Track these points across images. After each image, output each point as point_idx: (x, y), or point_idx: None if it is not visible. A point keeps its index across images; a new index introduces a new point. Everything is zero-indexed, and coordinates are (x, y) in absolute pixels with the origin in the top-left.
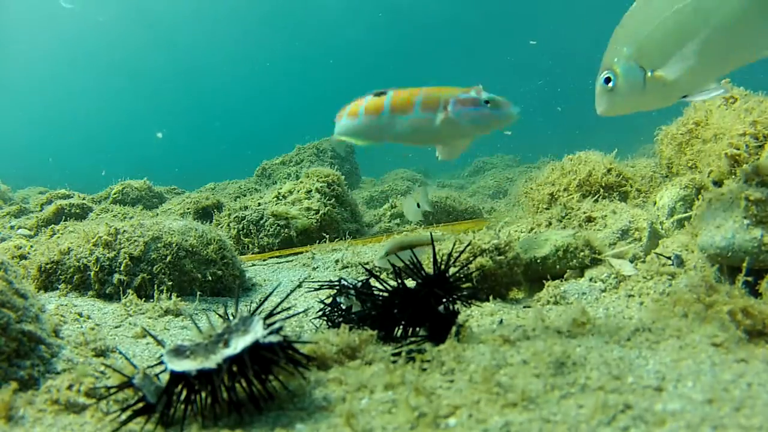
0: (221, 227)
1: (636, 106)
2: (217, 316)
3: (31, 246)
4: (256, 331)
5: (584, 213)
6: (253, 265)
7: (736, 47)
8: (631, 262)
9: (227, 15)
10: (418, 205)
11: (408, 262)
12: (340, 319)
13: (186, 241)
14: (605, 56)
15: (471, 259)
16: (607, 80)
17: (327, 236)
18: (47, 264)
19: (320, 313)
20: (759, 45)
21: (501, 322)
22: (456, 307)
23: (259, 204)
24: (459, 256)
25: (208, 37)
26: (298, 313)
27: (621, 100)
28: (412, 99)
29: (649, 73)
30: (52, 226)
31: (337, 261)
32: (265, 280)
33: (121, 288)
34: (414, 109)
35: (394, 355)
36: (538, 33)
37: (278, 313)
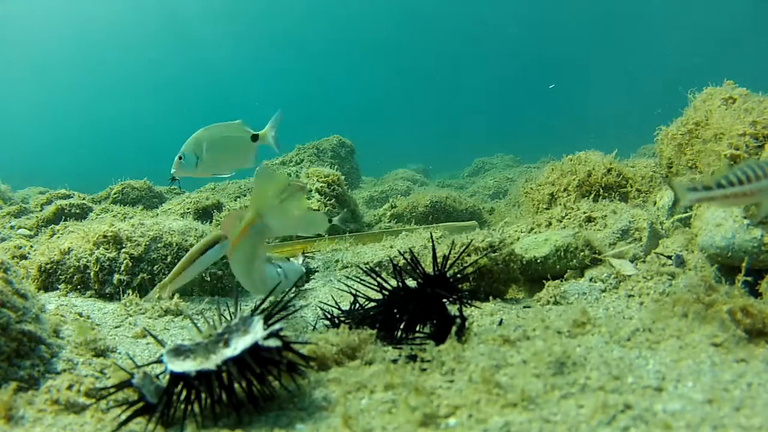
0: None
1: (196, 174)
2: (217, 316)
3: (31, 246)
4: (256, 332)
5: (584, 213)
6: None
7: (225, 159)
8: (632, 262)
9: (227, 15)
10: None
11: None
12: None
13: (186, 241)
14: (183, 147)
15: (467, 258)
16: (180, 158)
17: (325, 235)
18: (47, 264)
19: (321, 313)
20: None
21: (501, 322)
22: (458, 307)
23: None
24: (458, 257)
25: (207, 37)
26: (297, 310)
27: (185, 169)
28: None
29: (197, 159)
30: (52, 226)
31: (337, 261)
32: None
33: (120, 288)
34: None
35: (395, 348)
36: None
37: (278, 312)
